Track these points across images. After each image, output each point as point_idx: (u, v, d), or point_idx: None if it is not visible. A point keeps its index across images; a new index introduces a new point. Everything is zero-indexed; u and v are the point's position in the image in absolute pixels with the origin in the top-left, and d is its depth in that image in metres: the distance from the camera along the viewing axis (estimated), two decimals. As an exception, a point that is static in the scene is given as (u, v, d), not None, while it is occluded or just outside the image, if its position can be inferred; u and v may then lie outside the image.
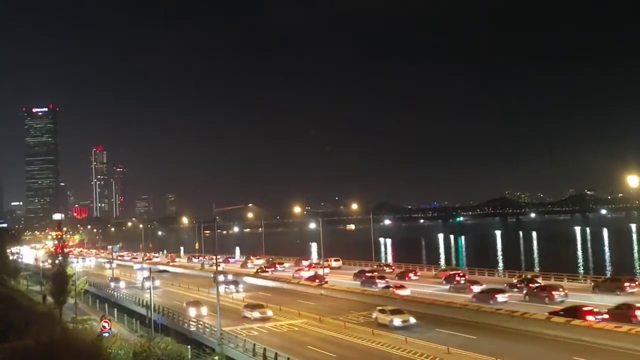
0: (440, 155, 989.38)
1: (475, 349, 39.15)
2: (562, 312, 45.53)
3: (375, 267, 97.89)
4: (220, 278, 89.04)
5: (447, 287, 69.73)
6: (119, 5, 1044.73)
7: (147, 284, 76.18)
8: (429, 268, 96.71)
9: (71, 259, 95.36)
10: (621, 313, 44.38)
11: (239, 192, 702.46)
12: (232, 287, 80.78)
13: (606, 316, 44.15)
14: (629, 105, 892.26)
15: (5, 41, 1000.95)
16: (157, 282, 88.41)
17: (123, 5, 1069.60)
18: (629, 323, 41.80)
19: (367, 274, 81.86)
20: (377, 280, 74.52)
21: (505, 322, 47.23)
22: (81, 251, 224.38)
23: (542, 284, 63.40)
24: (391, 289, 66.56)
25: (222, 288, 77.77)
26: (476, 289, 62.65)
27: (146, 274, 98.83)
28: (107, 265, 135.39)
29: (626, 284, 57.04)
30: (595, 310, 45.09)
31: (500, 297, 56.22)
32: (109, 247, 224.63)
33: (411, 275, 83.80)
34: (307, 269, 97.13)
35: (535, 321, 45.47)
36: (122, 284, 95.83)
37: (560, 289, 56.86)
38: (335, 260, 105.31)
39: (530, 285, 62.04)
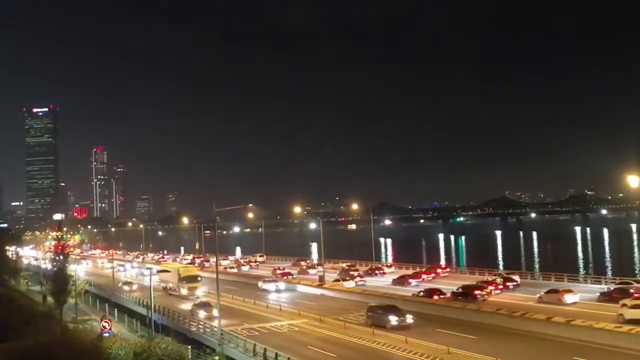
0: (440, 155, 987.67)
1: (475, 349, 39.17)
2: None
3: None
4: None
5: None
6: (119, 5, 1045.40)
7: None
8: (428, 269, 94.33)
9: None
10: None
11: (239, 192, 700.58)
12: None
13: None
14: (629, 105, 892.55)
15: (6, 41, 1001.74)
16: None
17: (123, 5, 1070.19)
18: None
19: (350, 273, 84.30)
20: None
21: (506, 322, 47.29)
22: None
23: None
24: None
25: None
26: None
27: None
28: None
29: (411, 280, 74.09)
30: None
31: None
32: (84, 246, 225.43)
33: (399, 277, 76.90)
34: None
35: (535, 321, 45.49)
36: None
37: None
38: (260, 256, 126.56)
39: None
